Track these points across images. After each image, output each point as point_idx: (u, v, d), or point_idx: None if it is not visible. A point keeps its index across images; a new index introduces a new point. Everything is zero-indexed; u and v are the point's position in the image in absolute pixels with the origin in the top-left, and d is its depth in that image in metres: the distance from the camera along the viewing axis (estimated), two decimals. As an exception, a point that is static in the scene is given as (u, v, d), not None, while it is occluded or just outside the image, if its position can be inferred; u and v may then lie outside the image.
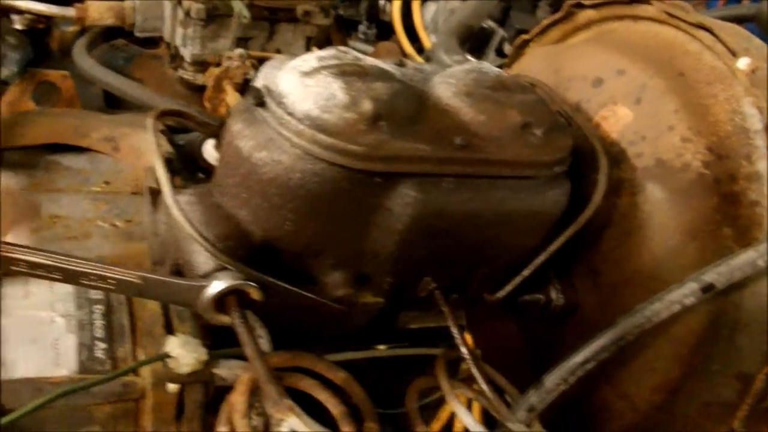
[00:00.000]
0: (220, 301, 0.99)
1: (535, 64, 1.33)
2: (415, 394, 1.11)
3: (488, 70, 1.13)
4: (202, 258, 1.01)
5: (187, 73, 1.88)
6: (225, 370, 1.15)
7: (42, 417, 1.00)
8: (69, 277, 0.95)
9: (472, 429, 1.05)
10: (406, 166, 0.98)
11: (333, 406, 0.99)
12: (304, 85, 0.99)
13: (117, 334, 1.09)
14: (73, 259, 0.94)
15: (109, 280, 0.97)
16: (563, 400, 1.07)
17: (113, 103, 1.90)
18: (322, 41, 1.90)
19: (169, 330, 1.10)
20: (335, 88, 0.98)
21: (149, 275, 0.98)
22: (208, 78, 1.76)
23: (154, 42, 2.04)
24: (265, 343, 1.24)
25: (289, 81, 1.00)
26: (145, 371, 1.05)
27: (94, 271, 0.96)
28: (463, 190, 1.01)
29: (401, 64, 1.12)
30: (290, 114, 0.97)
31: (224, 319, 1.00)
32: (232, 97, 1.71)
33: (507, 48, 1.99)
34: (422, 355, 1.41)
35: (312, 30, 1.85)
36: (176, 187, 1.41)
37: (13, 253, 0.92)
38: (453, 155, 1.01)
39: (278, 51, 1.86)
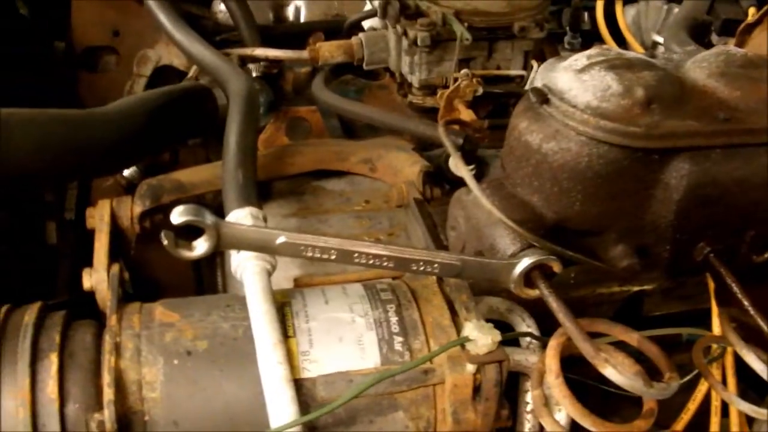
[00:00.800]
0: (528, 276, 1.11)
1: (766, 43, 1.41)
2: (701, 350, 1.20)
3: (735, 51, 1.23)
4: (507, 240, 1.13)
5: (416, 98, 1.98)
6: (511, 353, 1.27)
7: (354, 405, 1.11)
8: (402, 264, 1.09)
9: (762, 373, 1.13)
10: (679, 141, 1.09)
11: (629, 365, 1.09)
12: (581, 80, 1.12)
13: (410, 328, 1.18)
14: (406, 249, 1.09)
15: (434, 265, 1.10)
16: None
17: (349, 134, 2.05)
18: (537, 54, 1.99)
19: (456, 321, 1.20)
20: (609, 80, 1.11)
21: (468, 258, 1.11)
22: (439, 99, 1.87)
23: (377, 74, 2.18)
24: (535, 330, 1.36)
25: (566, 79, 1.13)
26: (441, 357, 1.14)
27: (423, 258, 1.10)
28: (730, 159, 1.11)
29: (653, 56, 1.24)
30: (573, 107, 1.10)
31: (532, 293, 1.12)
32: (464, 113, 1.82)
33: (714, 39, 2.04)
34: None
35: (528, 44, 1.93)
36: (436, 199, 1.56)
37: (357, 246, 1.07)
38: (719, 128, 1.11)
39: (498, 67, 1.95)
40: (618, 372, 1.01)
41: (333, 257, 1.08)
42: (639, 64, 1.14)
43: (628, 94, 1.09)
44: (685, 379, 1.36)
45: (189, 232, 1.07)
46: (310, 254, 1.08)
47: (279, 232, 1.10)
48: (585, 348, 1.03)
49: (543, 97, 1.12)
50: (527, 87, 1.18)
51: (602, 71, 1.12)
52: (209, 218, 1.05)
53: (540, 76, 1.17)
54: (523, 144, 1.14)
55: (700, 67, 1.20)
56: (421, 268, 1.10)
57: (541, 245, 1.10)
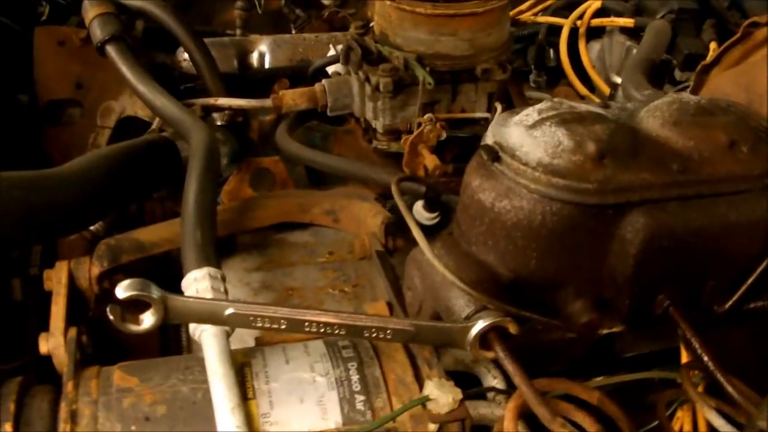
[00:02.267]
0: (484, 338, 1.09)
1: (723, 85, 1.40)
2: (664, 404, 1.19)
3: (688, 99, 1.22)
4: (462, 302, 1.12)
5: (381, 143, 1.96)
6: (475, 408, 1.25)
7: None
8: (354, 332, 1.07)
9: (723, 430, 1.11)
10: (633, 195, 1.08)
11: (590, 425, 1.08)
12: (532, 136, 1.11)
13: (372, 386, 1.16)
14: (357, 316, 1.07)
15: (387, 331, 1.08)
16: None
17: (316, 181, 2.03)
18: (501, 95, 1.98)
19: (418, 377, 1.19)
20: (560, 136, 1.10)
21: (421, 323, 1.09)
22: (403, 144, 1.85)
23: (342, 119, 2.16)
24: (500, 383, 1.34)
25: (517, 135, 1.13)
26: (404, 416, 1.12)
27: (374, 325, 1.08)
28: (687, 211, 1.10)
29: (606, 106, 1.23)
30: (525, 164, 1.09)
31: (488, 354, 1.10)
32: (428, 159, 1.81)
33: (678, 74, 2.04)
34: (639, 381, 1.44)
35: (492, 86, 1.92)
36: (399, 249, 1.54)
37: (307, 315, 1.05)
38: (674, 179, 1.11)
39: (463, 110, 1.93)
40: (575, 439, 0.99)
41: (283, 327, 1.06)
42: (590, 117, 1.13)
43: (579, 149, 1.08)
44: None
45: (139, 303, 1.05)
46: (260, 324, 1.06)
47: (227, 303, 1.08)
48: (541, 413, 1.01)
49: (494, 154, 1.11)
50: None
51: (553, 126, 1.11)
52: (155, 292, 1.03)
53: (492, 131, 1.16)
54: (476, 202, 1.13)
55: (653, 117, 1.19)
56: (374, 335, 1.09)
57: (496, 307, 1.09)
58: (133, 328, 1.05)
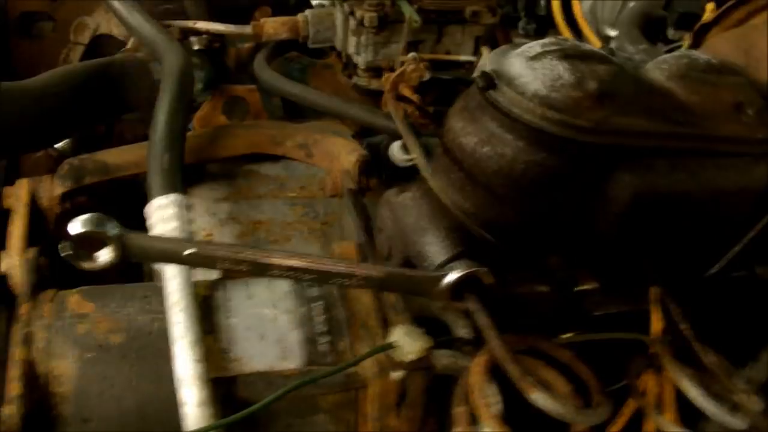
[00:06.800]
0: (456, 288, 1.05)
1: (721, 46, 1.35)
2: (638, 369, 1.16)
3: (698, 56, 1.18)
4: (435, 249, 1.07)
5: (361, 80, 1.91)
6: (440, 358, 1.21)
7: (273, 407, 1.06)
8: (322, 277, 1.02)
9: (698, 402, 1.08)
10: (627, 139, 1.04)
11: (560, 384, 1.05)
12: (532, 68, 1.06)
13: (336, 328, 1.14)
14: (325, 261, 1.02)
15: (355, 278, 1.03)
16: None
17: (291, 113, 1.98)
18: (489, 40, 1.92)
19: (385, 322, 1.16)
20: (561, 70, 1.05)
21: (392, 270, 1.05)
22: (384, 82, 1.80)
23: (323, 52, 2.10)
24: (468, 334, 1.31)
25: (517, 65, 1.07)
26: (368, 361, 1.10)
27: (343, 270, 1.03)
28: (676, 172, 1.06)
29: (612, 53, 1.18)
30: (521, 94, 1.04)
31: (459, 306, 1.06)
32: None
33: (670, 33, 2.00)
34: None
35: (480, 30, 1.87)
36: (372, 189, 1.50)
37: (272, 258, 1.00)
38: (673, 130, 1.07)
39: (448, 52, 1.88)
40: (546, 398, 0.95)
41: (246, 269, 1.01)
42: (595, 56, 1.08)
43: (579, 86, 1.03)
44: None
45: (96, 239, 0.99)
46: (222, 266, 1.02)
47: (188, 243, 1.03)
48: (511, 370, 0.97)
49: (490, 81, 1.06)
50: (475, 74, 1.11)
51: (555, 60, 1.06)
52: (112, 230, 0.96)
53: (491, 60, 1.11)
54: (457, 146, 1.08)
55: (660, 69, 1.15)
56: (341, 281, 1.03)
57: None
58: (87, 265, 0.99)
